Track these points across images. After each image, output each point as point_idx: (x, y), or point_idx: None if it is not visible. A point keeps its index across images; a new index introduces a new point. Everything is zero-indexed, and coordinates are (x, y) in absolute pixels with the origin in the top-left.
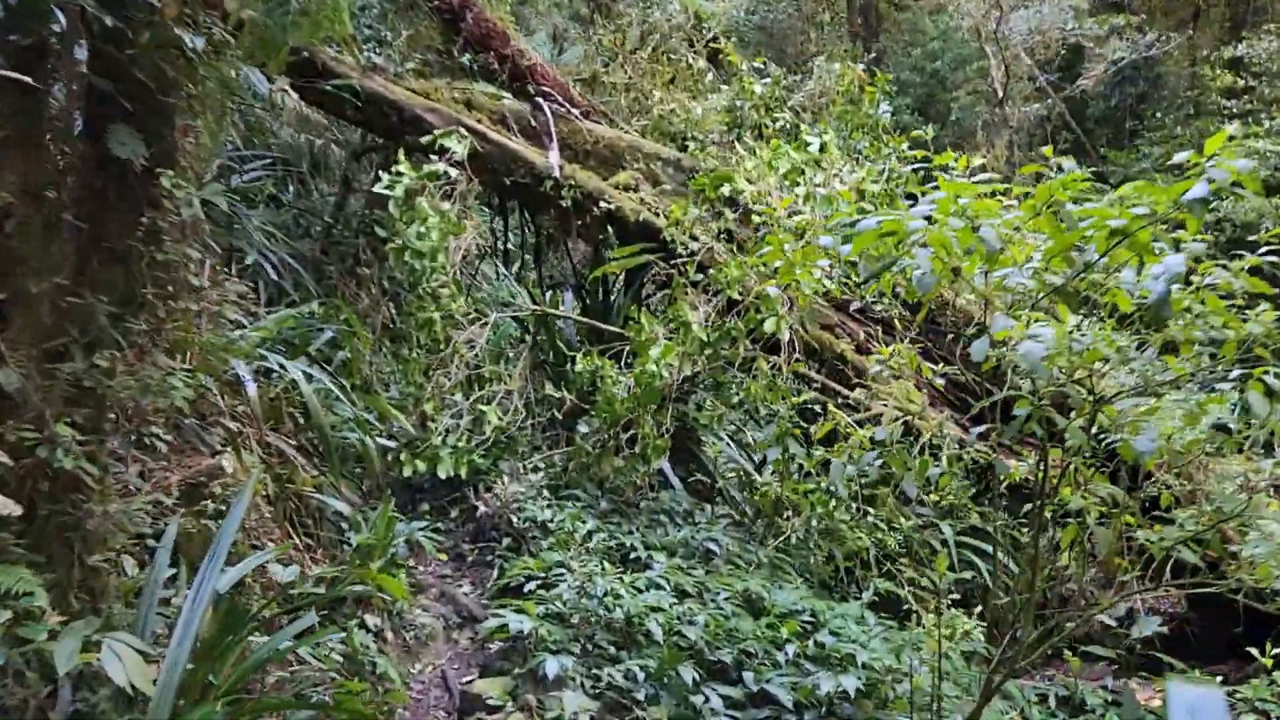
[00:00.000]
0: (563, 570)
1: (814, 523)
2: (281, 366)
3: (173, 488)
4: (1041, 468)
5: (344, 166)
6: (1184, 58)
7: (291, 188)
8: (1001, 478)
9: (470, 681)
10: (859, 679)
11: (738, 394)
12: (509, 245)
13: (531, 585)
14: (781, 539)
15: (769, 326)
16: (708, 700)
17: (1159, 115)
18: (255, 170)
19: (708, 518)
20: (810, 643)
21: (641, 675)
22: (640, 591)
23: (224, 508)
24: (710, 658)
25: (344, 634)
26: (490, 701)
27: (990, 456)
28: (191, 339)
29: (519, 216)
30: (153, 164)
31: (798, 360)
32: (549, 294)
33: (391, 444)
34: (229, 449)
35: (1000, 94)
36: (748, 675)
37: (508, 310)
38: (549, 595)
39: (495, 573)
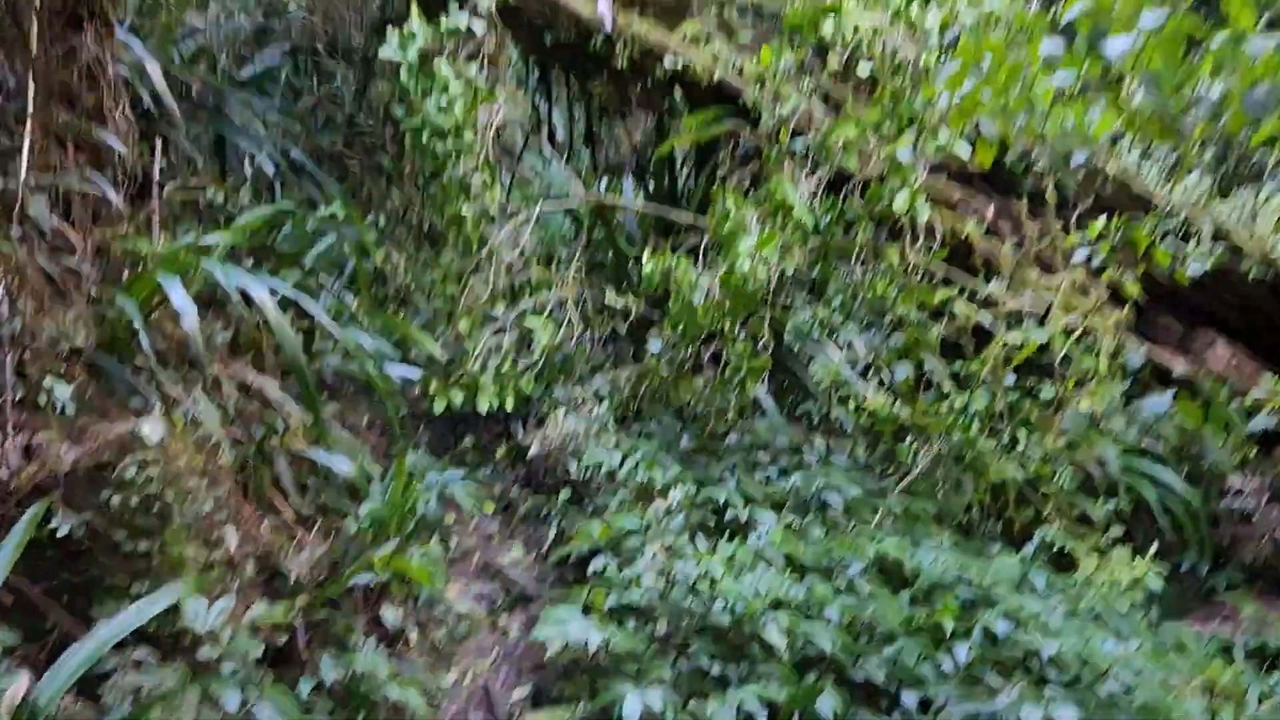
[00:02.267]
0: (638, 541)
1: (945, 452)
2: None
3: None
4: None
5: (365, 44)
6: None
7: (312, 74)
8: None
9: (521, 701)
10: (1072, 703)
11: (851, 295)
12: (555, 126)
13: (599, 562)
14: (909, 476)
15: (899, 204)
16: None
17: None
18: (272, 56)
19: (819, 455)
20: (978, 632)
21: (763, 714)
22: (745, 570)
23: (135, 501)
24: (852, 674)
25: (340, 656)
26: None
27: None
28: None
29: (565, 88)
30: None
31: (936, 250)
32: (604, 182)
33: (415, 373)
34: (158, 407)
35: None
36: (908, 698)
37: (553, 202)
38: (621, 579)
39: (553, 532)
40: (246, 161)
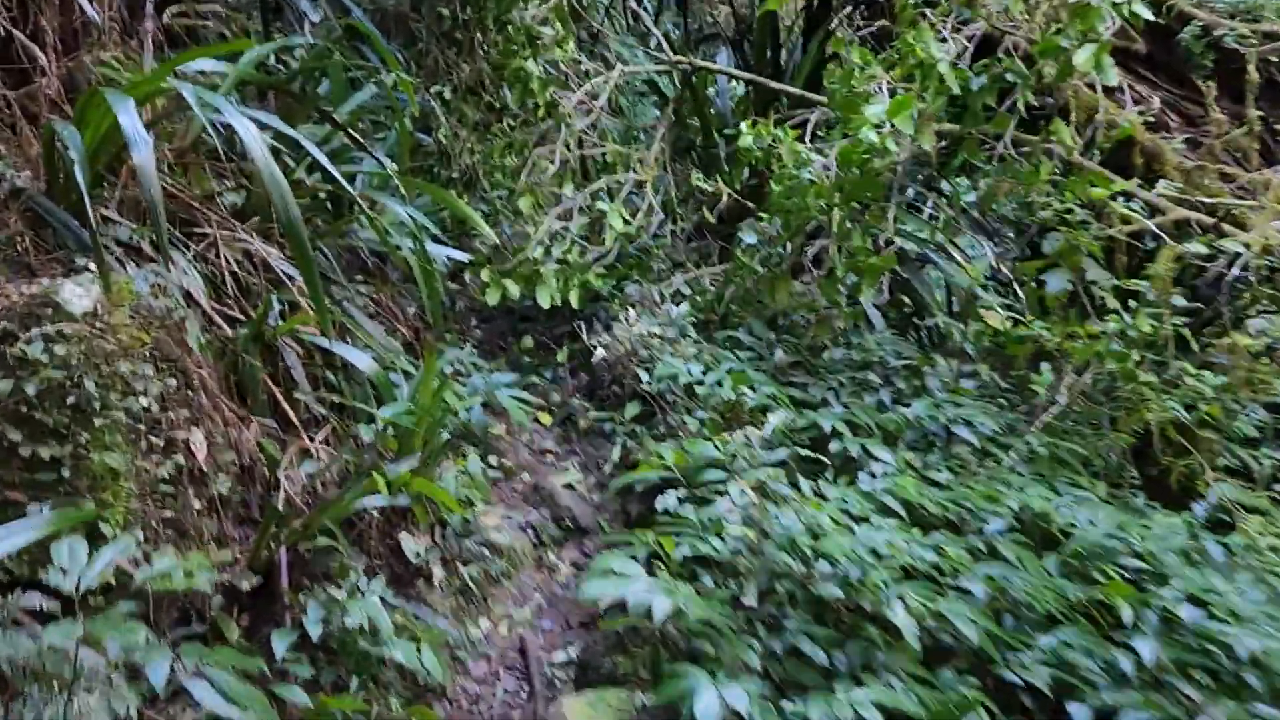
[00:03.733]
0: (721, 475)
1: (1092, 384)
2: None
3: None
4: None
5: None
6: None
7: None
8: None
9: (564, 666)
10: None
11: (995, 187)
12: None
13: (671, 498)
14: (1049, 411)
15: (1081, 60)
16: None
17: None
18: None
19: (945, 379)
20: (1153, 616)
21: None
22: (858, 522)
23: (32, 390)
24: (1003, 672)
25: (334, 603)
26: None
27: None
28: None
29: None
30: None
31: (1121, 128)
32: (698, 54)
33: (463, 255)
34: (90, 265)
35: None
36: (1079, 714)
37: (636, 66)
38: (698, 521)
39: (617, 452)
40: (305, 25)
